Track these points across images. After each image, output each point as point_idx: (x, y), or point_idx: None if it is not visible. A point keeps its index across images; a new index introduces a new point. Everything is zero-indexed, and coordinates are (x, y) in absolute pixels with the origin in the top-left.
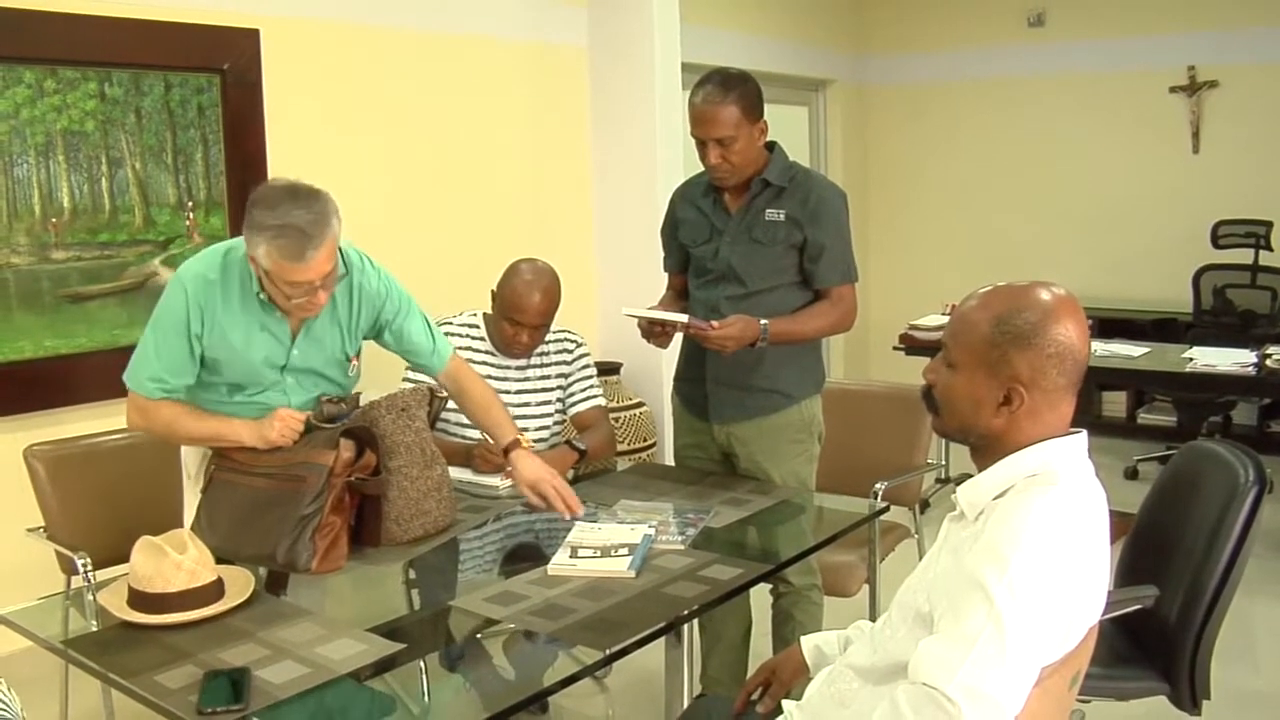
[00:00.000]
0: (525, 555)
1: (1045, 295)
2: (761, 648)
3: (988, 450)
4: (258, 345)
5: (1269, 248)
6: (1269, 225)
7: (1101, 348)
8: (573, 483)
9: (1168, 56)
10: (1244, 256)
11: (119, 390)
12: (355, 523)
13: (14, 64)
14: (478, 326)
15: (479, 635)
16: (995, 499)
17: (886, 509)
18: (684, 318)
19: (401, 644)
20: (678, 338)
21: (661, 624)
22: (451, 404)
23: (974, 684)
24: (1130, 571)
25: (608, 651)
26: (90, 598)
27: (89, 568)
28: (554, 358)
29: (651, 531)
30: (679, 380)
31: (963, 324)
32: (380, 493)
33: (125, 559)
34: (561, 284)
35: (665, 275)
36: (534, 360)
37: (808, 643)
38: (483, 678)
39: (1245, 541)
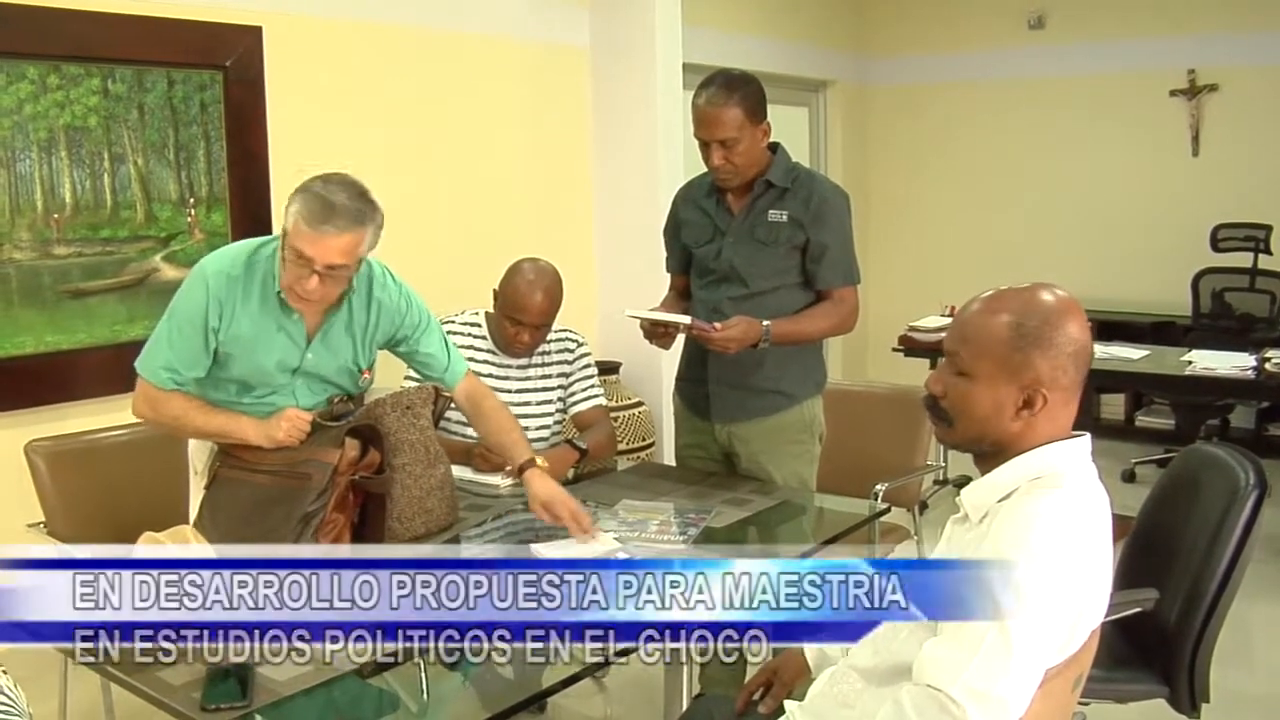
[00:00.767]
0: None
1: (1050, 296)
2: None
3: (999, 455)
4: (273, 346)
5: (1268, 251)
6: (1268, 229)
7: (1100, 350)
8: (573, 482)
9: (1168, 59)
10: (1243, 260)
11: (120, 386)
12: (358, 520)
13: (18, 59)
14: (479, 325)
15: None
16: (1000, 501)
17: (887, 510)
18: (687, 319)
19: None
20: (680, 338)
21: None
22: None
23: (979, 686)
24: (1130, 574)
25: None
26: None
27: None
28: (555, 357)
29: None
30: (681, 380)
31: (975, 330)
32: (385, 491)
33: None
34: (563, 283)
35: (665, 275)
36: (535, 359)
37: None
38: (482, 677)
39: (1245, 545)
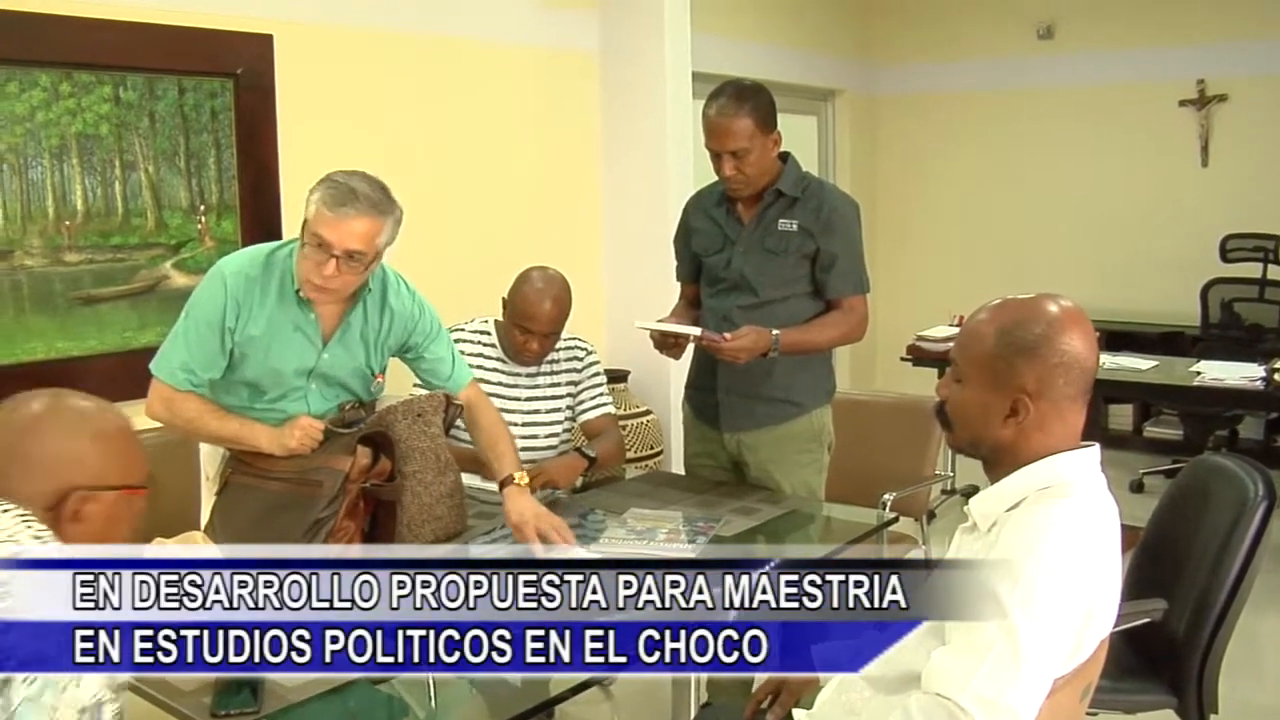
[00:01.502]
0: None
1: (1052, 307)
2: None
3: (999, 463)
4: (288, 346)
5: (1278, 262)
6: (1278, 239)
7: (1109, 360)
8: (582, 490)
9: (1177, 69)
10: (1253, 270)
11: (130, 393)
12: (368, 527)
13: (30, 67)
14: (489, 333)
15: None
16: (1008, 511)
17: (896, 519)
18: (697, 330)
19: None
20: (689, 348)
21: None
22: None
23: (988, 694)
24: (1138, 584)
25: None
26: None
27: None
28: (564, 365)
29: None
30: (690, 389)
31: (969, 337)
32: (395, 498)
33: None
34: (572, 292)
35: (674, 284)
36: (544, 368)
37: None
38: (490, 684)
39: (1254, 555)
